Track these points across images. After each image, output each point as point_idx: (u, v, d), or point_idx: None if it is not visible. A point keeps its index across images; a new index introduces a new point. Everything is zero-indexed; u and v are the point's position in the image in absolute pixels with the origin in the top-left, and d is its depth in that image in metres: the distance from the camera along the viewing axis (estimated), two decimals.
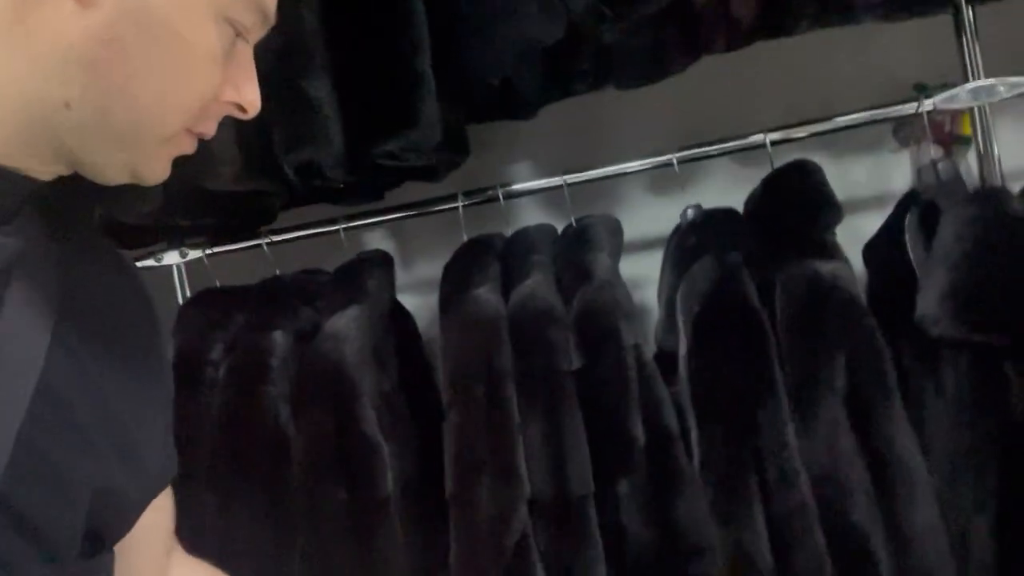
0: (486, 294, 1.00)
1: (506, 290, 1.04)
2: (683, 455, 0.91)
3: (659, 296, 1.09)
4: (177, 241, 1.30)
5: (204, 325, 1.17)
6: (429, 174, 1.23)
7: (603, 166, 1.12)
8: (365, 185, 1.24)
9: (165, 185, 1.04)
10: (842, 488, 0.84)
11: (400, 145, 0.96)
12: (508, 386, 0.91)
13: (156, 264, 1.32)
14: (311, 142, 0.96)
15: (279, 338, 1.09)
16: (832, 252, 0.92)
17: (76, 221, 0.56)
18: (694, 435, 0.90)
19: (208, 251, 1.28)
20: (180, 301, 1.29)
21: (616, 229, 1.09)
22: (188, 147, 0.51)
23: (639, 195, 1.34)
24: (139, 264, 1.31)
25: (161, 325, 0.63)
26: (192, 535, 1.02)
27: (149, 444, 0.57)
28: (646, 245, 1.28)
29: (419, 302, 1.26)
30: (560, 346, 0.93)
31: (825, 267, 0.90)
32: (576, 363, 0.94)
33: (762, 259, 0.95)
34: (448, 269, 1.09)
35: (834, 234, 0.96)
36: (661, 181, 1.26)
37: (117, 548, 0.56)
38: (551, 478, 0.89)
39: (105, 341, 0.53)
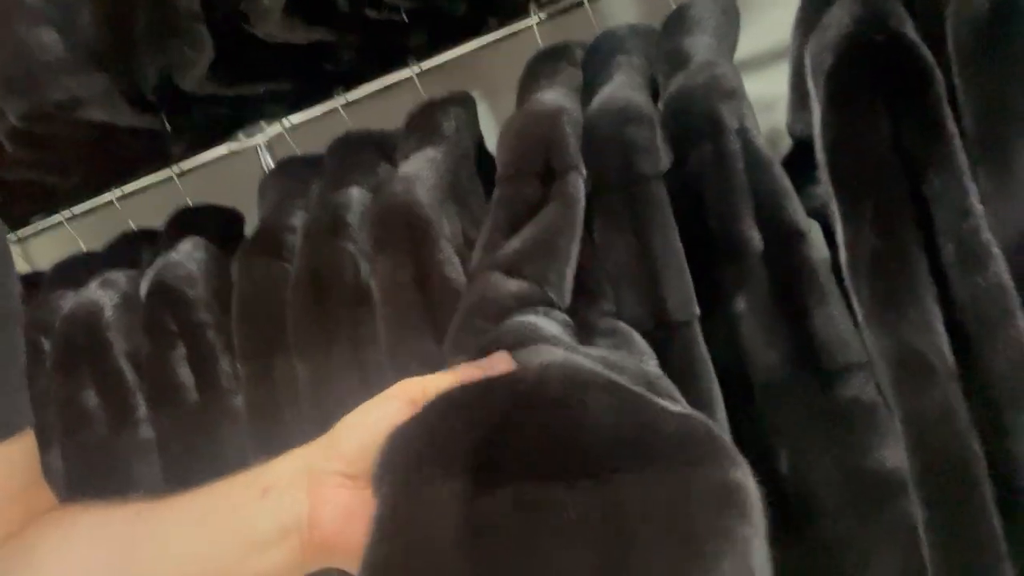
0: (550, 95, 0.82)
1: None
2: (816, 254, 0.71)
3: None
4: (255, 119, 1.23)
5: (283, 195, 1.10)
6: None
7: None
8: (435, 22, 1.11)
9: (215, 33, 0.98)
10: None
11: None
12: (573, 181, 0.73)
13: (239, 149, 1.26)
14: None
15: (356, 193, 0.99)
16: None
17: None
18: (838, 226, 0.69)
19: (287, 123, 1.21)
20: None
21: (728, 7, 0.88)
22: None
23: None
24: (221, 150, 1.29)
25: None
26: (287, 407, 0.99)
27: None
28: (775, 55, 1.05)
29: None
30: (641, 144, 0.74)
31: None
32: (665, 164, 0.74)
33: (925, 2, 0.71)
34: (518, 86, 0.93)
35: None
36: None
37: None
38: (646, 303, 0.72)
39: None
